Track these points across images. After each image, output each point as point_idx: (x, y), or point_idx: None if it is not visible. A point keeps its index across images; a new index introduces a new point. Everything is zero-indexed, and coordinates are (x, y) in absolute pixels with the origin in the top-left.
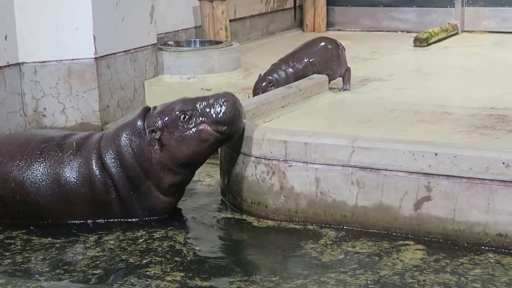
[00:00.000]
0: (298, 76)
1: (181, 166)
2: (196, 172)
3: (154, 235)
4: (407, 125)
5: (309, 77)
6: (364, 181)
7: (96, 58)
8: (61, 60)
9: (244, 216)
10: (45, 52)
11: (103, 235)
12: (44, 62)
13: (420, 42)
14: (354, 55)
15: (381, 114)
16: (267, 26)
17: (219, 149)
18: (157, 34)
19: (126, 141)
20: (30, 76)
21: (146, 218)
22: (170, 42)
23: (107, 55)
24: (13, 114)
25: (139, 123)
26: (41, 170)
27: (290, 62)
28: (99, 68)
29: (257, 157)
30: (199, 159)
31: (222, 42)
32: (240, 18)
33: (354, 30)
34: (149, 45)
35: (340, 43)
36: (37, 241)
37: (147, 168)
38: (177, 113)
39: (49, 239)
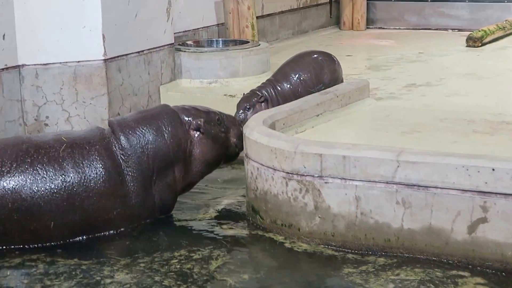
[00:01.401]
0: (286, 95)
1: (205, 165)
2: (220, 189)
3: (180, 258)
4: (460, 136)
5: (347, 81)
6: (410, 200)
7: (105, 60)
8: (66, 62)
9: (275, 238)
10: (48, 53)
11: (134, 256)
12: (46, 64)
13: (474, 41)
14: (399, 57)
15: (430, 123)
16: (299, 23)
17: (245, 164)
18: (174, 33)
19: (161, 130)
20: (31, 80)
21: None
22: (189, 42)
23: (118, 56)
24: (12, 123)
25: (177, 114)
26: (37, 173)
27: (279, 80)
28: (109, 72)
29: (288, 173)
30: (215, 165)
31: (248, 42)
32: (268, 15)
33: (398, 28)
34: (166, 45)
35: (335, 57)
36: (62, 262)
37: (180, 158)
38: (215, 116)
39: (76, 259)
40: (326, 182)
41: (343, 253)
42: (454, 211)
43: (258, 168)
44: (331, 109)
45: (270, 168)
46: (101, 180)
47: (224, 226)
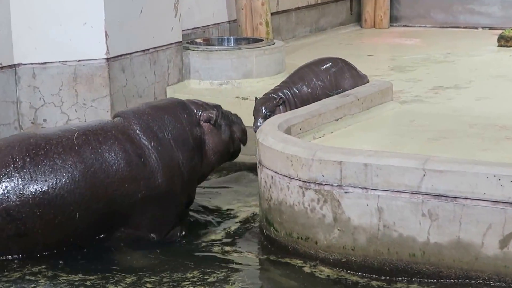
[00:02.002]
0: (304, 98)
1: (216, 157)
2: (231, 200)
3: (193, 279)
4: (491, 143)
5: (370, 83)
6: (437, 212)
7: (108, 59)
8: (66, 61)
9: (292, 263)
10: (46, 51)
11: (140, 274)
12: (44, 63)
13: (506, 41)
14: (424, 57)
15: (458, 129)
16: (317, 20)
17: (258, 171)
18: (182, 30)
19: (178, 117)
20: (27, 80)
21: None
22: (198, 40)
23: (121, 55)
24: (6, 126)
25: (188, 105)
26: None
27: (295, 81)
28: (111, 71)
29: (305, 181)
30: (224, 158)
31: (262, 40)
32: (284, 11)
33: (424, 26)
34: (173, 44)
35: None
36: (64, 278)
37: (196, 146)
38: (220, 109)
39: (80, 275)
40: (346, 192)
41: (367, 280)
42: (485, 224)
43: (272, 177)
44: (352, 113)
45: (286, 176)
46: (122, 164)
47: (238, 244)
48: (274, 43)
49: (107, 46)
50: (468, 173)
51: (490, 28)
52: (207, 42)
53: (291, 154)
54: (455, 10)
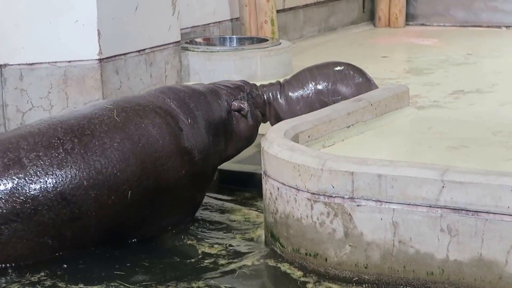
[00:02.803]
0: (294, 100)
1: (243, 142)
2: (234, 213)
3: None
4: None
5: (383, 87)
6: (457, 227)
7: (100, 60)
8: (55, 62)
9: (298, 277)
10: (34, 51)
11: (144, 284)
12: (32, 64)
13: None
14: (443, 58)
15: (481, 137)
16: (327, 19)
17: (263, 182)
18: (181, 29)
19: (214, 99)
20: (14, 82)
21: None
22: (198, 40)
23: (115, 56)
24: None
25: (220, 91)
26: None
27: (290, 81)
28: (104, 73)
29: (314, 193)
30: (251, 142)
31: (268, 40)
32: (291, 8)
33: (443, 25)
34: (171, 43)
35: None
36: (63, 287)
37: (226, 129)
38: (245, 91)
39: (81, 285)
40: (358, 205)
41: None
42: (509, 241)
43: (278, 188)
44: (364, 120)
45: (293, 188)
46: (168, 137)
47: (241, 260)
48: (280, 43)
49: (99, 45)
50: (491, 185)
51: None
52: (208, 41)
53: (298, 163)
54: (477, 8)
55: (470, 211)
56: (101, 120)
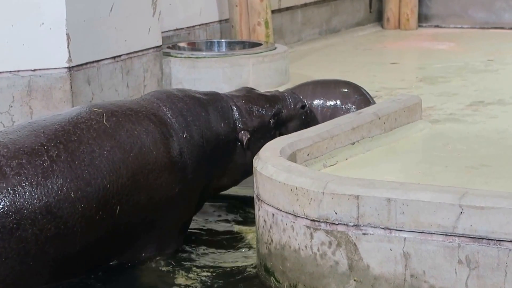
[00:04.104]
0: None
1: (242, 174)
2: (223, 241)
3: None
4: None
5: (392, 98)
6: (477, 258)
7: (70, 68)
8: (18, 71)
9: None
10: None
11: None
12: None
13: None
14: (461, 65)
15: (503, 155)
16: (329, 20)
17: (256, 208)
18: (162, 32)
19: (215, 116)
20: None
21: None
22: (182, 44)
23: (87, 63)
24: None
25: (231, 107)
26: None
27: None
28: (74, 83)
29: (314, 220)
30: (246, 176)
31: (261, 44)
32: (287, 8)
33: (461, 27)
34: (151, 49)
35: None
36: None
37: (224, 153)
38: (270, 120)
39: None
40: (364, 234)
41: None
42: None
43: (273, 214)
44: (371, 135)
45: (290, 214)
46: (162, 149)
47: None
48: (275, 48)
49: (69, 52)
50: None
51: None
52: (193, 46)
53: (296, 186)
54: (499, 7)
55: (492, 240)
56: (89, 125)
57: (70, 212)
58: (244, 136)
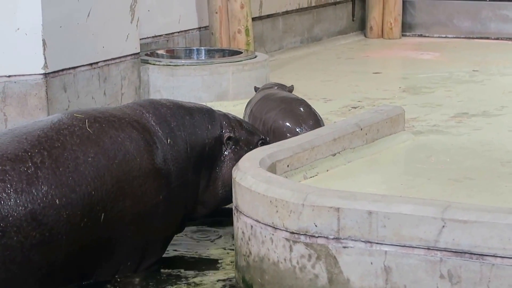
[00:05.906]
0: None
1: (223, 192)
2: (202, 255)
3: None
4: None
5: (375, 108)
6: (460, 273)
7: (46, 75)
8: None
9: None
10: None
11: None
12: None
13: None
14: (446, 75)
15: (487, 168)
16: (311, 28)
17: (234, 220)
18: (140, 39)
19: (201, 124)
20: None
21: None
22: (160, 52)
23: (63, 70)
24: None
25: (219, 116)
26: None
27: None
28: (50, 90)
29: (293, 233)
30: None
31: (241, 53)
32: (268, 16)
33: (446, 37)
34: (128, 56)
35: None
36: None
37: (209, 165)
38: (259, 141)
39: None
40: (344, 247)
41: None
42: None
43: (252, 226)
44: (353, 146)
45: (269, 226)
46: (146, 155)
47: None
48: (256, 56)
49: (45, 58)
50: (499, 224)
51: None
52: (172, 54)
53: (276, 198)
54: (485, 17)
55: (474, 254)
56: (72, 131)
57: (55, 219)
58: (229, 135)
